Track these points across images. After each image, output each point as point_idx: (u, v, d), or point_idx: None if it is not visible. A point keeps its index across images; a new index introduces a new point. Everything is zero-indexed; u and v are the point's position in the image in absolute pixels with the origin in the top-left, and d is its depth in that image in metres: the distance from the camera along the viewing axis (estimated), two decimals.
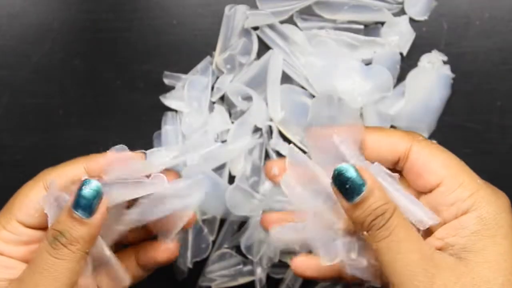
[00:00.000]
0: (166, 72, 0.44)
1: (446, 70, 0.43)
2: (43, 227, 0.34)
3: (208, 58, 0.44)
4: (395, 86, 0.43)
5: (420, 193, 0.33)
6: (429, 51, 0.43)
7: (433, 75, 0.43)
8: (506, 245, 0.29)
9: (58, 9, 0.45)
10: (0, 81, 0.45)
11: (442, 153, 0.33)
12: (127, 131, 0.45)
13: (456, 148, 0.43)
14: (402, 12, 0.44)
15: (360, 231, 0.31)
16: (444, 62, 0.43)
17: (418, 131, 0.43)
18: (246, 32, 0.44)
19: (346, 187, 0.30)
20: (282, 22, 0.44)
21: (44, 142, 0.45)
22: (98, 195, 0.32)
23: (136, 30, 0.45)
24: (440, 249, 0.31)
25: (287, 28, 0.44)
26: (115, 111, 0.45)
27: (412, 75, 0.43)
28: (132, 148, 0.44)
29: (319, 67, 0.43)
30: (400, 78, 0.43)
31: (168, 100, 0.44)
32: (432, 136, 0.43)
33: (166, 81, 0.44)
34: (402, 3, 0.43)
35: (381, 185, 0.31)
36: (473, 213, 0.30)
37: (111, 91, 0.45)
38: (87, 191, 0.32)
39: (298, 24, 0.44)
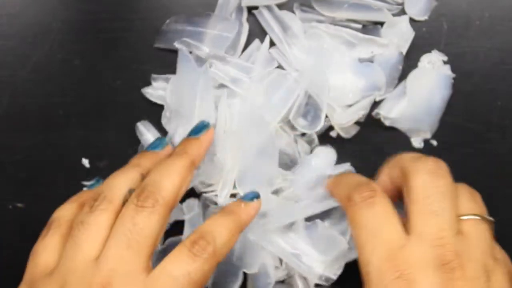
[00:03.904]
0: (154, 75, 0.44)
1: (447, 70, 0.43)
2: None
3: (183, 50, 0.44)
4: (395, 86, 0.43)
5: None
6: (429, 51, 0.44)
7: (433, 76, 0.43)
8: None
9: (58, 9, 0.45)
10: (0, 81, 0.45)
11: (357, 227, 0.33)
12: (127, 131, 0.45)
13: (456, 148, 0.43)
14: (402, 12, 0.44)
15: None
16: (444, 62, 0.43)
17: (420, 132, 0.43)
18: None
19: None
20: (281, 9, 0.44)
21: (44, 142, 0.45)
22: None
23: (136, 30, 0.45)
24: None
25: (286, 15, 0.44)
26: (115, 111, 0.45)
27: (412, 76, 0.43)
28: (131, 147, 0.44)
29: (310, 60, 0.43)
30: (400, 78, 0.43)
31: (148, 92, 0.44)
32: (432, 136, 0.43)
33: (155, 84, 0.44)
34: (402, 3, 0.43)
35: None
36: None
37: (111, 91, 0.45)
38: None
39: (297, 14, 0.44)
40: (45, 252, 0.34)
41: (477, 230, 0.32)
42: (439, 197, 0.32)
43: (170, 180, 0.34)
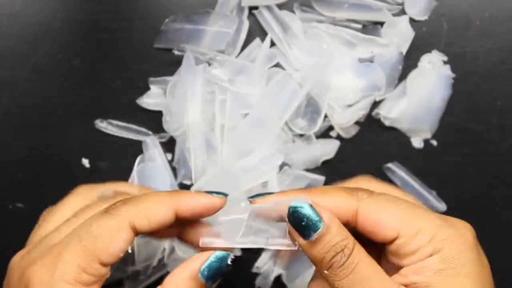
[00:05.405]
0: (151, 79, 0.44)
1: (447, 70, 0.43)
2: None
3: (188, 53, 0.44)
4: (395, 86, 0.43)
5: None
6: (429, 51, 0.44)
7: (433, 76, 0.43)
8: (468, 284, 0.29)
9: (58, 9, 0.45)
10: (0, 81, 0.45)
11: (392, 204, 0.31)
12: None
13: (456, 148, 0.43)
14: (402, 12, 0.44)
15: (320, 270, 0.30)
16: (444, 62, 0.43)
17: (420, 132, 0.43)
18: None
19: (302, 224, 0.29)
20: (281, 9, 0.44)
21: (44, 142, 0.45)
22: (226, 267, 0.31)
23: (136, 30, 0.45)
24: (405, 285, 0.30)
25: (286, 15, 0.44)
26: (115, 111, 0.45)
27: (412, 76, 0.43)
28: (131, 147, 0.44)
29: (311, 61, 0.43)
30: (400, 78, 0.43)
31: (144, 102, 0.44)
32: (432, 136, 0.43)
33: (153, 87, 0.44)
34: (402, 3, 0.43)
35: (338, 221, 0.30)
36: (436, 255, 0.30)
37: (111, 91, 0.45)
38: (221, 265, 0.31)
39: (297, 14, 0.44)
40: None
41: None
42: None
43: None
